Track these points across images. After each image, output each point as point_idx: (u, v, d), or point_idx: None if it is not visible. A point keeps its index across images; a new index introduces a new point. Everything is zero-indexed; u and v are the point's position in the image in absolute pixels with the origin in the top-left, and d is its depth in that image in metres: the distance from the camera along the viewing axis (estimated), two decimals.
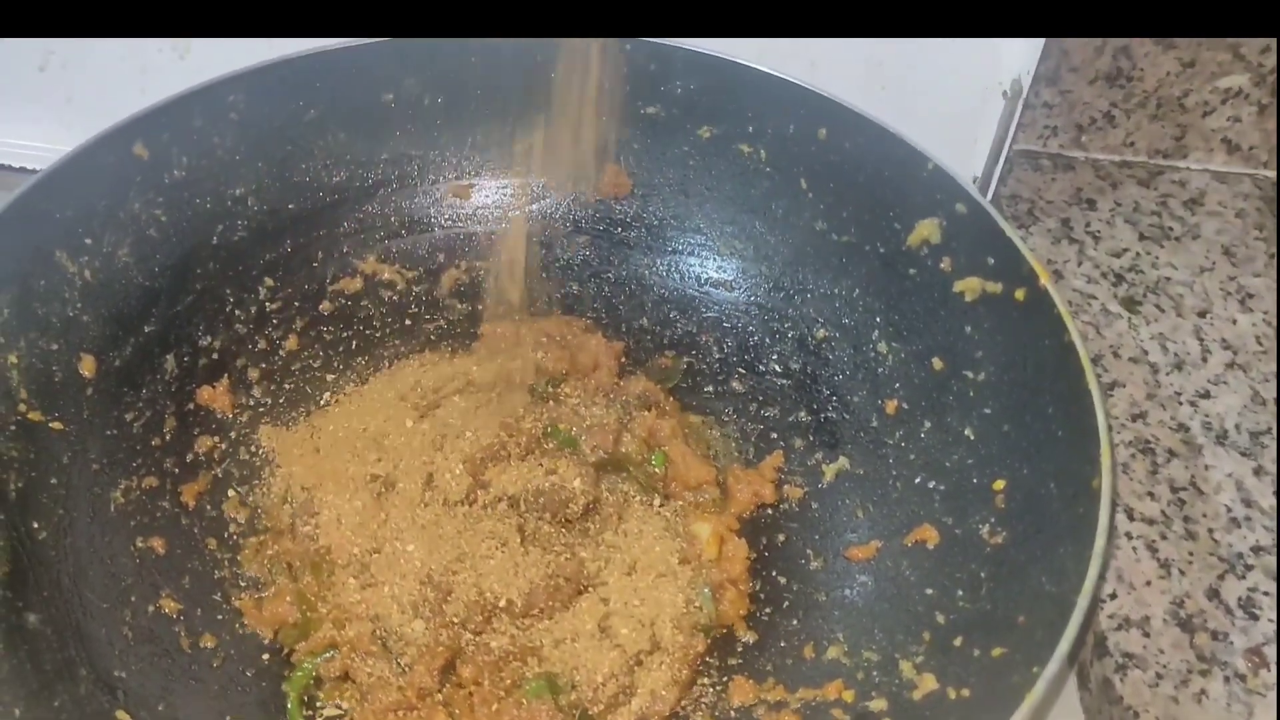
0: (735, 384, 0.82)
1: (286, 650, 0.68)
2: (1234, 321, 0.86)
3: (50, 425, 0.68)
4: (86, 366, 0.71)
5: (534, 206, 0.86)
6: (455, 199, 0.86)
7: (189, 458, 0.74)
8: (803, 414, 0.79)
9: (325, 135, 0.82)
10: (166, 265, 0.76)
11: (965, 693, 0.59)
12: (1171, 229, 0.93)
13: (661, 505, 0.73)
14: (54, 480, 0.67)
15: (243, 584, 0.71)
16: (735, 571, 0.71)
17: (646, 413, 0.77)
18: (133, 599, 0.66)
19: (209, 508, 0.73)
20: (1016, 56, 0.82)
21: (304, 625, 0.68)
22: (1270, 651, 0.67)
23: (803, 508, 0.76)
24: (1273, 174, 0.99)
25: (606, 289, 0.85)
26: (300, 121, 0.81)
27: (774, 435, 0.79)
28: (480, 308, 0.84)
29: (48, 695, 0.59)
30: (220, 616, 0.69)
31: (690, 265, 0.85)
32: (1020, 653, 0.57)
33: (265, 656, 0.68)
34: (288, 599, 0.68)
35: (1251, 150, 0.98)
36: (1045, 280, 0.67)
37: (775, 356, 0.81)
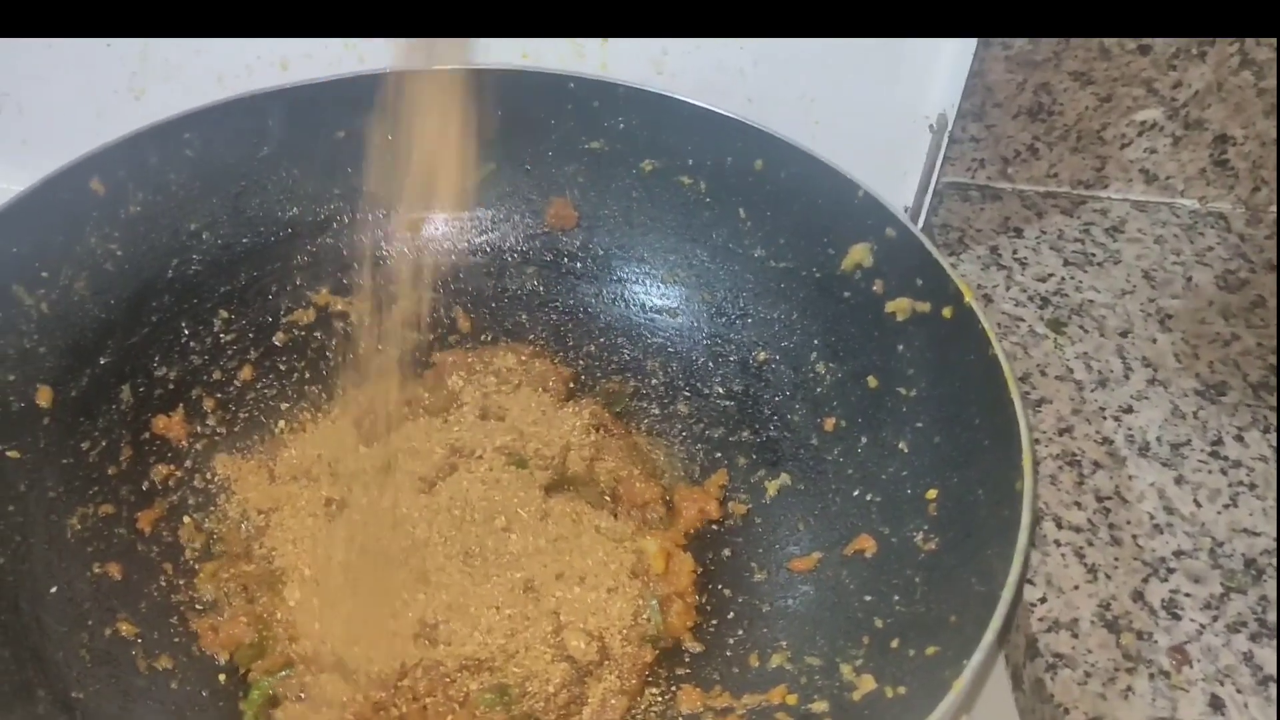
0: (680, 406, 0.84)
1: (243, 670, 0.69)
2: (1154, 341, 0.90)
3: (7, 454, 0.70)
4: (43, 397, 0.72)
5: (483, 239, 0.89)
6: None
7: (145, 485, 0.75)
8: (746, 433, 0.82)
9: (279, 171, 0.84)
10: (122, 298, 0.78)
11: (901, 690, 0.62)
12: (1094, 255, 0.98)
13: (610, 522, 0.75)
14: (11, 508, 0.68)
15: (199, 607, 0.72)
16: (682, 585, 0.73)
17: (595, 434, 0.80)
18: (90, 623, 0.67)
19: (165, 533, 0.74)
20: (941, 92, 0.86)
21: (259, 646, 0.69)
22: (1192, 649, 0.70)
23: (747, 523, 0.78)
24: (1190, 202, 1.04)
25: (554, 317, 0.88)
26: (254, 158, 0.83)
27: (718, 454, 0.82)
28: (432, 337, 0.86)
29: (6, 716, 0.60)
30: (177, 639, 0.70)
31: (635, 293, 0.88)
32: (952, 649, 0.60)
33: (222, 677, 0.69)
34: (243, 620, 0.70)
35: (1168, 180, 1.03)
36: (969, 298, 0.71)
37: (719, 379, 0.84)
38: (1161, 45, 0.94)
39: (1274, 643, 0.70)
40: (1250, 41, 0.93)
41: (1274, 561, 0.75)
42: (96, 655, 0.66)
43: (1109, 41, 0.94)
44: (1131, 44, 0.94)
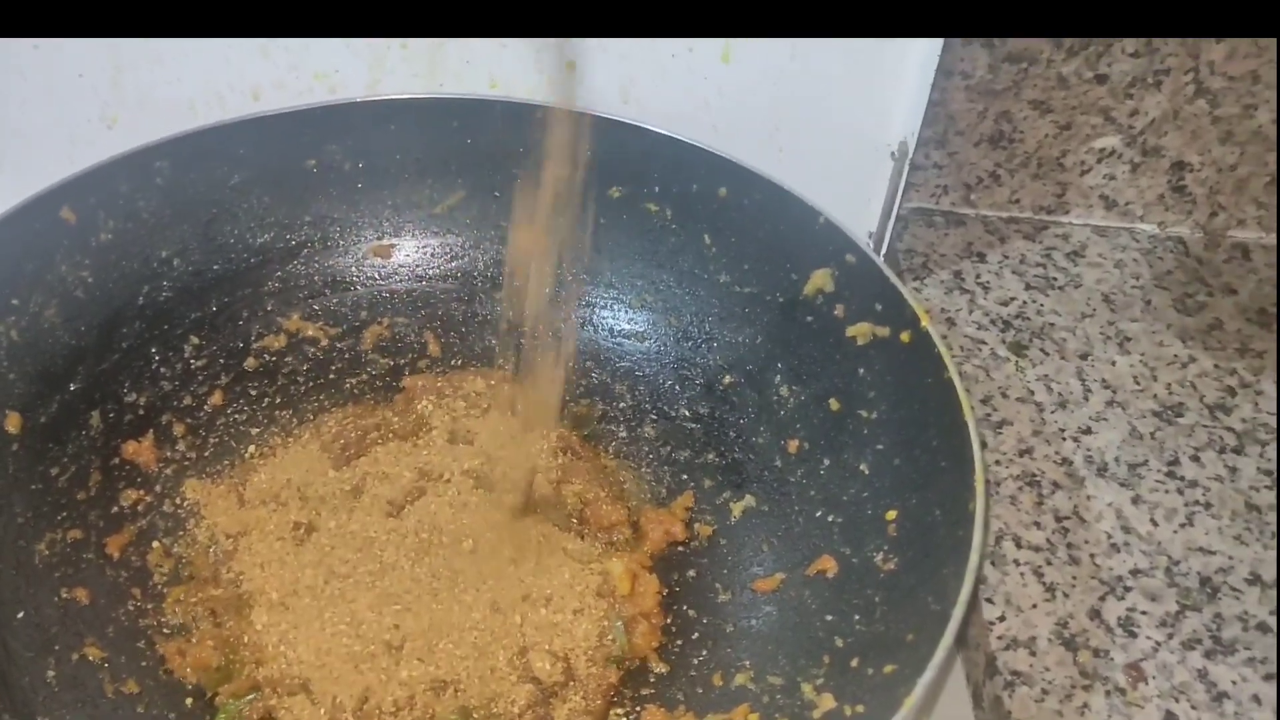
0: (647, 429, 0.85)
1: (210, 694, 0.69)
2: (1113, 363, 0.92)
3: None
4: (12, 423, 0.73)
5: (453, 264, 0.90)
6: (377, 258, 0.89)
7: (114, 510, 0.76)
8: (711, 455, 0.83)
9: (249, 199, 0.85)
10: (93, 325, 0.78)
11: (860, 709, 0.63)
12: (1055, 279, 0.99)
13: (577, 544, 0.76)
14: None
15: (167, 631, 0.72)
16: (647, 606, 0.74)
17: (562, 457, 0.81)
18: (57, 647, 0.67)
19: (134, 558, 0.75)
20: (902, 120, 0.88)
21: (227, 669, 0.69)
22: (1147, 667, 0.72)
23: (712, 544, 0.79)
24: (1149, 227, 1.06)
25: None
26: (225, 186, 0.84)
27: (684, 476, 0.83)
28: (401, 362, 0.87)
29: None
30: (144, 663, 0.70)
31: (603, 318, 0.89)
32: (909, 667, 0.61)
33: (189, 701, 0.69)
34: (211, 644, 0.70)
35: (1128, 205, 1.05)
36: (926, 323, 0.72)
37: (685, 402, 0.85)
38: (1118, 74, 0.96)
39: (1227, 659, 0.72)
40: (1204, 70, 0.96)
41: (1228, 580, 0.76)
42: (63, 680, 0.66)
43: (1067, 71, 0.96)
44: (1089, 73, 0.96)
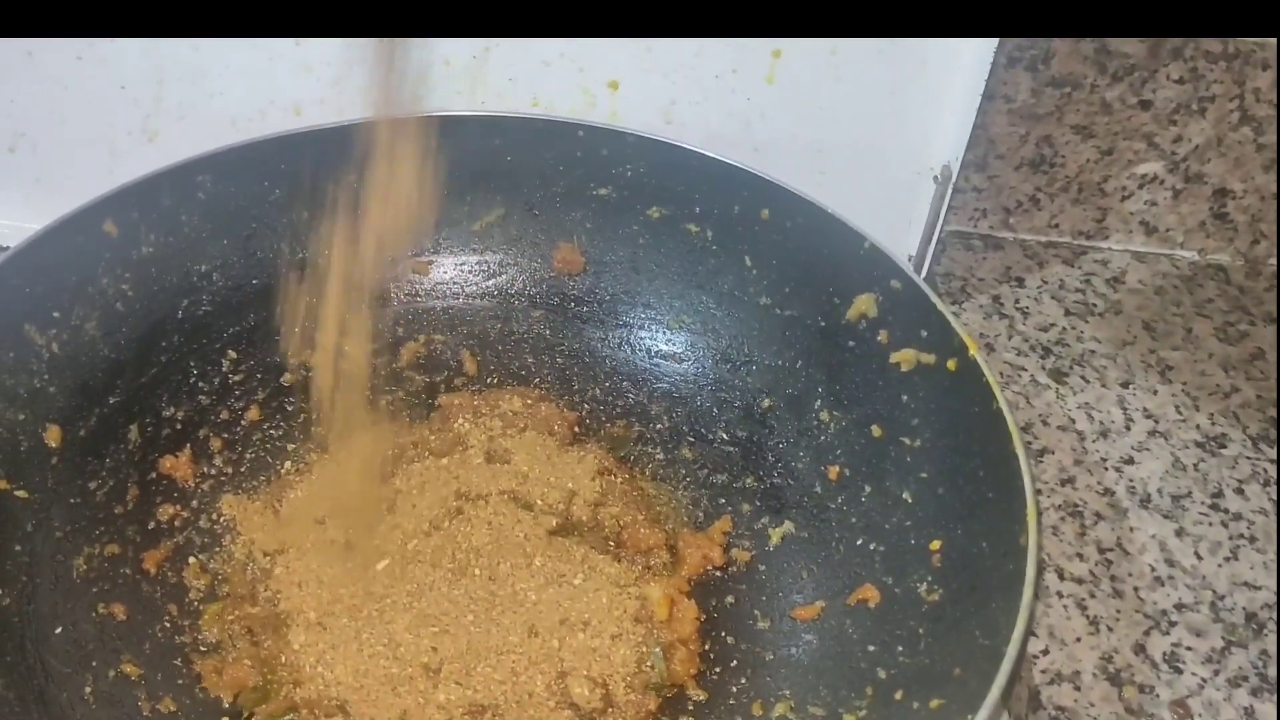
0: (685, 451, 0.85)
1: (246, 714, 0.69)
2: (1154, 392, 0.91)
3: (15, 494, 0.70)
4: (52, 436, 0.73)
5: (490, 283, 0.90)
6: (415, 275, 0.89)
7: (151, 526, 0.76)
8: (750, 480, 0.82)
9: (290, 214, 0.85)
10: (132, 338, 0.78)
11: None
12: (1095, 305, 0.98)
13: (614, 567, 0.76)
14: (18, 548, 0.69)
15: (203, 648, 0.72)
16: (685, 632, 0.73)
17: (600, 478, 0.80)
18: (94, 664, 0.67)
19: (170, 574, 0.74)
20: (946, 144, 0.87)
21: (264, 689, 0.69)
22: (1194, 704, 0.71)
23: (750, 570, 0.78)
24: (1190, 254, 1.05)
25: (560, 360, 0.88)
26: (265, 201, 0.84)
27: (722, 500, 0.82)
28: (438, 379, 0.87)
29: None
30: (180, 681, 0.69)
31: (641, 338, 0.88)
32: (956, 702, 0.60)
33: None
34: (248, 663, 0.70)
35: (1168, 232, 1.04)
36: (974, 351, 0.71)
37: (723, 425, 0.85)
38: (1162, 101, 0.95)
39: (1274, 698, 0.71)
40: (1250, 98, 0.95)
41: (1274, 615, 0.75)
42: (100, 697, 0.66)
43: (1110, 96, 0.95)
44: (1133, 99, 0.95)
